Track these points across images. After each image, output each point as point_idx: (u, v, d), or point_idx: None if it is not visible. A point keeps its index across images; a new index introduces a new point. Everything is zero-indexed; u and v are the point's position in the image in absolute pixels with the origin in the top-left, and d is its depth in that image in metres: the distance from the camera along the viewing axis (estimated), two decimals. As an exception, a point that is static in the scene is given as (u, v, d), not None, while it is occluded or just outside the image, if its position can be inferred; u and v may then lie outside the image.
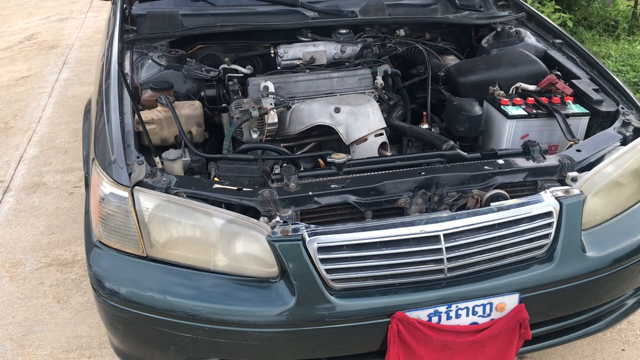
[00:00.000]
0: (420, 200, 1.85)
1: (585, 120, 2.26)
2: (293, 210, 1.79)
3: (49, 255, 3.07)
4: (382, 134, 2.26)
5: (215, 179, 1.97)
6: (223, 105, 2.44)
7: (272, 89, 2.37)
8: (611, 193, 1.96)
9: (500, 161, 1.96)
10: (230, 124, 2.30)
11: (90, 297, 2.76)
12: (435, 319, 1.74)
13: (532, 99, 2.31)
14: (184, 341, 1.75)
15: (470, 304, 1.76)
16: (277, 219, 1.76)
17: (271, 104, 2.25)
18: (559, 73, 2.48)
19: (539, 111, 2.26)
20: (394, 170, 1.91)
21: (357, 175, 1.90)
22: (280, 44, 2.73)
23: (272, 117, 2.24)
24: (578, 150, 2.02)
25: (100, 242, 1.83)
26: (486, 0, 3.10)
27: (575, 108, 2.27)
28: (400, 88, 2.66)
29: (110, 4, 3.08)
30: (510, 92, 2.44)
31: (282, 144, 2.32)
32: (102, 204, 1.81)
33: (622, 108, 2.24)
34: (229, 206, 1.83)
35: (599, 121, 2.25)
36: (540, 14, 3.02)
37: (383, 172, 1.91)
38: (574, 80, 2.41)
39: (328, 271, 1.69)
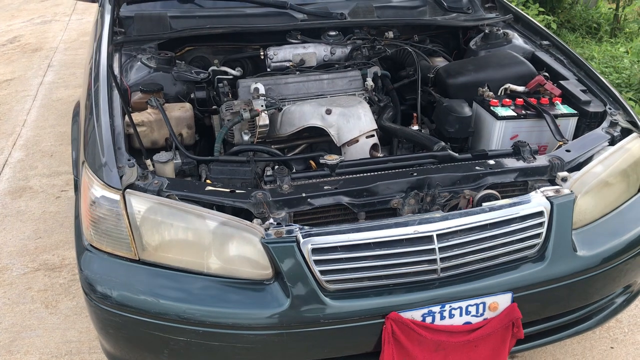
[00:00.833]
0: (412, 201, 1.86)
1: (573, 121, 2.29)
2: (286, 212, 1.79)
3: (36, 260, 3.03)
4: (373, 136, 2.26)
5: (208, 181, 1.96)
6: (213, 107, 2.43)
7: (262, 90, 2.36)
8: (600, 192, 1.98)
9: (491, 162, 1.97)
10: (221, 125, 2.28)
11: (80, 301, 2.73)
12: (429, 319, 1.75)
13: (521, 99, 2.33)
14: (177, 345, 1.73)
15: (463, 304, 1.77)
16: (271, 220, 1.75)
17: (262, 105, 2.25)
18: (547, 74, 2.50)
19: (528, 112, 2.28)
20: (386, 172, 1.92)
21: (350, 176, 1.90)
22: (270, 45, 2.73)
23: (264, 119, 2.23)
24: (567, 151, 2.05)
25: (91, 245, 1.81)
26: (474, 3, 3.13)
27: (563, 109, 2.29)
28: (390, 90, 2.67)
29: (97, 6, 3.06)
30: (499, 94, 2.45)
31: (273, 146, 2.31)
32: (93, 207, 1.79)
33: (610, 108, 2.27)
34: (221, 208, 1.82)
35: (587, 121, 2.27)
36: (527, 16, 3.05)
37: (376, 173, 1.91)
38: (561, 81, 2.43)
39: (322, 272, 1.69)
